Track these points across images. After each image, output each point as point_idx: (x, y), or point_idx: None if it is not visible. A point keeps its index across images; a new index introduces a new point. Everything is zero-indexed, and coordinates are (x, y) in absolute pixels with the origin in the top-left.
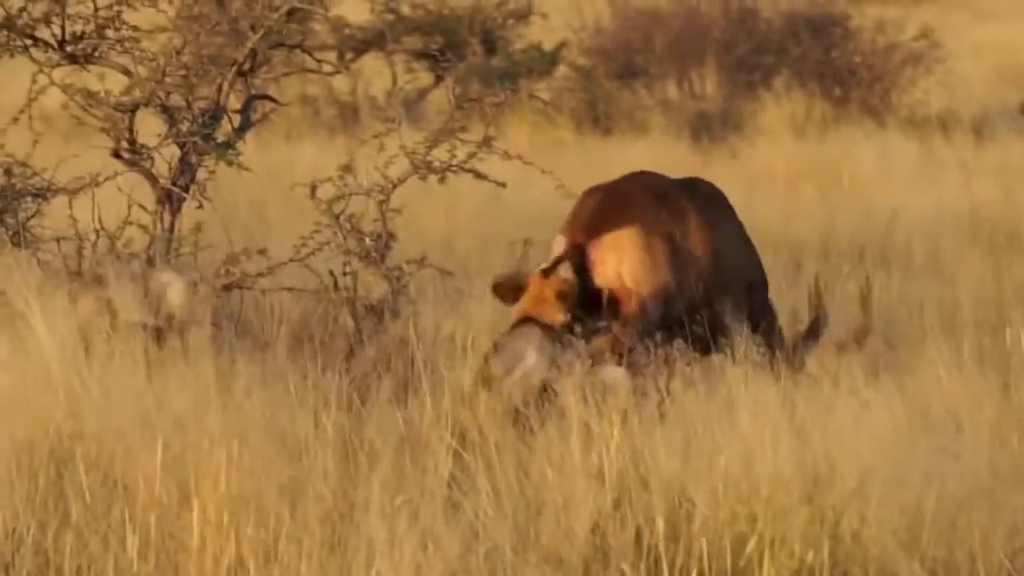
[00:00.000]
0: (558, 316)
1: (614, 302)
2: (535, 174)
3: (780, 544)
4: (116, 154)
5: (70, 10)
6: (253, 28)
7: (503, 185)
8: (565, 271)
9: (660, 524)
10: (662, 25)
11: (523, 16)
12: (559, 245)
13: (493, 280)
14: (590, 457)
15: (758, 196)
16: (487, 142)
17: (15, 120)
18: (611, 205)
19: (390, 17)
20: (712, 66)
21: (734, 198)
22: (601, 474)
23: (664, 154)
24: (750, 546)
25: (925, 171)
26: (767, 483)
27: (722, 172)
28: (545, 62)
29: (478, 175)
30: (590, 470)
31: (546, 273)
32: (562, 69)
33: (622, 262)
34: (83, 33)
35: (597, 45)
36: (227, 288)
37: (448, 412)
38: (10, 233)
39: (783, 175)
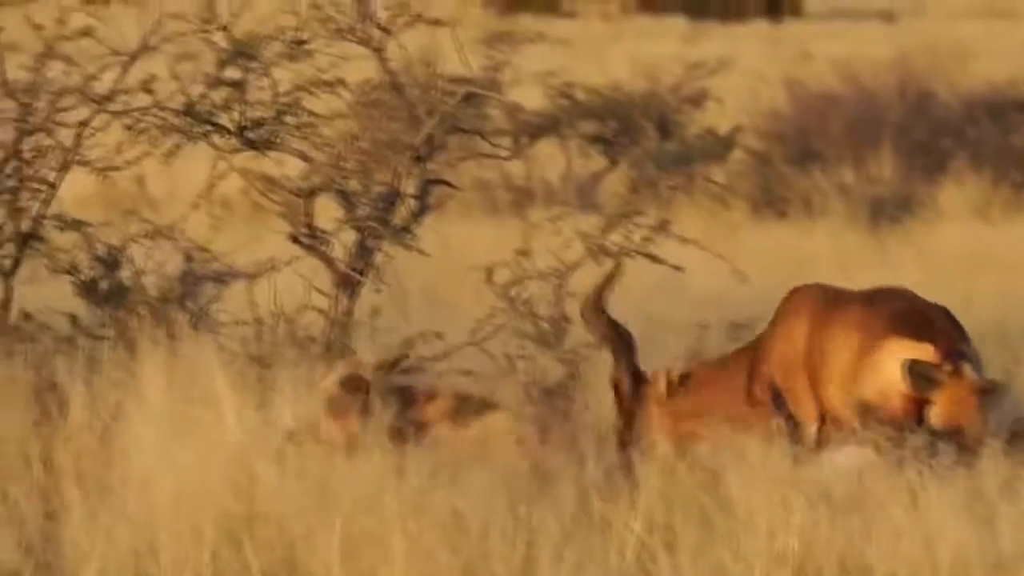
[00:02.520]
0: (977, 424)
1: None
2: (709, 258)
3: None
4: (294, 239)
5: (250, 96)
6: (430, 113)
7: (680, 269)
8: (985, 381)
9: None
10: (838, 108)
11: (698, 100)
12: (922, 351)
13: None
14: (771, 541)
15: (935, 281)
16: (663, 226)
17: (196, 205)
18: (919, 310)
19: (565, 102)
20: (889, 149)
21: (911, 281)
22: (782, 558)
23: (841, 238)
24: None
25: None
26: (950, 566)
27: (899, 256)
28: (720, 146)
29: (654, 259)
30: (771, 554)
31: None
32: (737, 153)
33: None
34: (262, 119)
35: (772, 129)
36: (404, 372)
37: (631, 495)
38: (191, 318)
39: (961, 260)
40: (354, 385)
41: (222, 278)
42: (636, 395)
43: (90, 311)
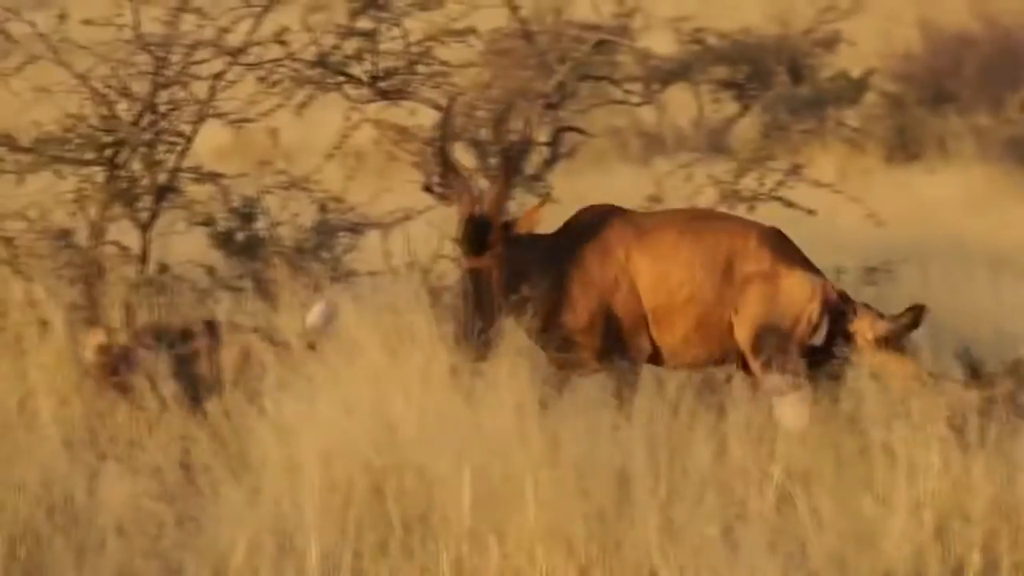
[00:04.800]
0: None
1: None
2: (842, 202)
3: None
4: (427, 188)
5: (382, 47)
6: (561, 61)
7: (813, 213)
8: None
9: (979, 555)
10: (973, 49)
11: (831, 44)
12: (821, 282)
13: None
14: (911, 487)
15: None
16: (795, 170)
17: (329, 156)
18: (782, 239)
19: (696, 47)
20: None
21: None
22: (921, 504)
23: (976, 181)
24: None
25: None
26: None
27: None
28: (853, 89)
29: (787, 203)
30: (910, 500)
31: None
32: (870, 96)
33: None
34: (394, 69)
35: (906, 71)
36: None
37: (770, 440)
38: (327, 268)
39: None
40: (105, 351)
41: (356, 228)
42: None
43: (226, 262)
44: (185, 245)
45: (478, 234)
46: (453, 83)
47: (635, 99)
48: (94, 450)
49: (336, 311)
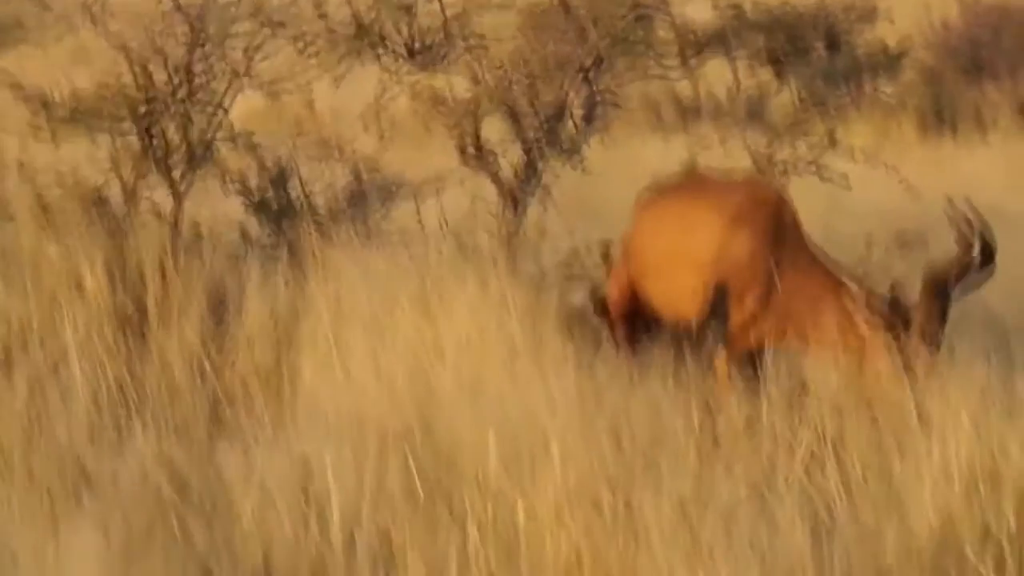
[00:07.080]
0: None
1: None
2: (876, 172)
3: None
4: (461, 151)
5: (419, 18)
6: (596, 28)
7: (848, 186)
8: None
9: (1010, 519)
10: (1011, 20)
11: (868, 15)
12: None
13: None
14: (942, 451)
15: None
16: (831, 140)
17: (365, 126)
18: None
19: (732, 16)
20: None
21: None
22: (951, 468)
23: (1013, 153)
24: None
25: None
26: None
27: None
28: (890, 60)
29: (822, 175)
30: (940, 464)
31: None
32: (907, 67)
33: None
34: (432, 40)
35: (943, 42)
36: (569, 280)
37: (799, 405)
38: (360, 233)
39: None
40: None
41: (390, 193)
42: None
43: (261, 227)
44: (219, 211)
45: None
46: (490, 54)
47: (674, 75)
48: (124, 409)
49: None
